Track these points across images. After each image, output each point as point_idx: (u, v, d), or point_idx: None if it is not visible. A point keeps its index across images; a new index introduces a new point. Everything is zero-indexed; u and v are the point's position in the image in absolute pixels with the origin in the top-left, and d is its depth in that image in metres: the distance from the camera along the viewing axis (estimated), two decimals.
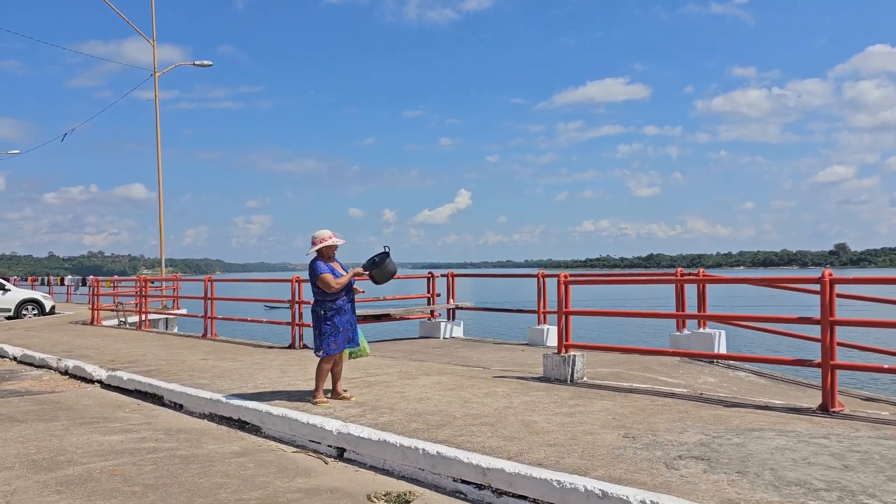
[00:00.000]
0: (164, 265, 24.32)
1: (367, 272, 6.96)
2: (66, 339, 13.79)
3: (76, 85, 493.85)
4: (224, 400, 6.97)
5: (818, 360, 6.15)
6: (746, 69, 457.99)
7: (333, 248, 6.84)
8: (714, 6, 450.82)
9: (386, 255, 7.01)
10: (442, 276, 13.37)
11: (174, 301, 20.65)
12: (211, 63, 26.56)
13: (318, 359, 6.84)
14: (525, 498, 4.28)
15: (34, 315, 22.34)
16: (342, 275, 6.79)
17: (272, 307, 19.10)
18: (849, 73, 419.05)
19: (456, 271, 13.58)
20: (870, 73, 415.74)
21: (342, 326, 6.79)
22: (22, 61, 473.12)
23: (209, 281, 14.68)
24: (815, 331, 6.49)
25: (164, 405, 7.76)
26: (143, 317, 17.17)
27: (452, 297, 13.32)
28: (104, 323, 17.97)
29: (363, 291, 7.52)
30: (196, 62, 25.90)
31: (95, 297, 18.68)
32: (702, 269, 9.93)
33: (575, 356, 7.71)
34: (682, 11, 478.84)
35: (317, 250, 6.77)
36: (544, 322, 11.77)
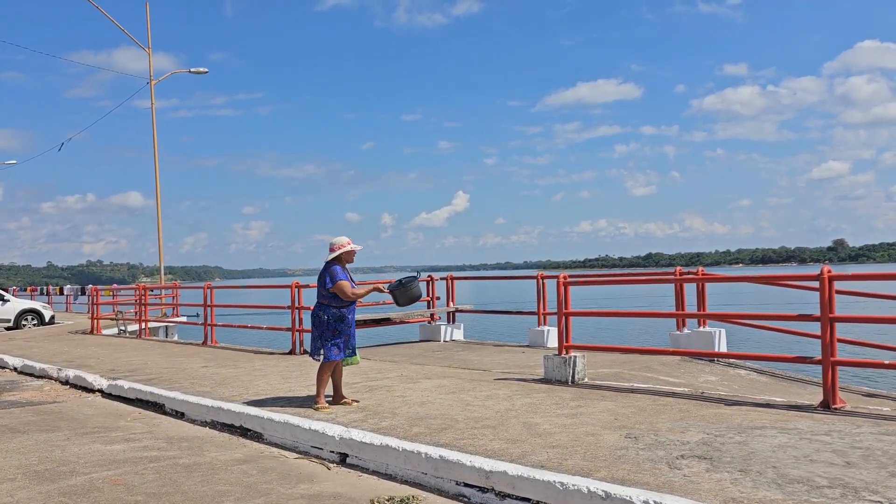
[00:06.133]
0: (163, 273, 24.31)
1: (390, 291, 7.07)
2: (66, 349, 13.78)
3: (75, 95, 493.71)
4: (225, 407, 6.97)
5: (819, 356, 6.16)
6: (740, 67, 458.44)
7: (352, 253, 6.96)
8: (702, 6, 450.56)
9: (414, 278, 7.22)
10: (441, 279, 13.38)
11: (174, 309, 20.64)
12: (207, 70, 26.56)
13: (319, 364, 6.85)
14: (528, 500, 4.28)
15: (34, 325, 22.33)
16: (354, 284, 6.87)
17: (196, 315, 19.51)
18: (840, 69, 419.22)
19: (455, 274, 13.60)
20: (860, 68, 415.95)
21: (345, 332, 6.81)
22: (22, 72, 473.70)
23: (208, 288, 14.67)
24: (815, 328, 6.49)
25: (165, 413, 7.76)
26: (143, 325, 17.17)
27: (452, 300, 13.33)
28: (104, 332, 17.96)
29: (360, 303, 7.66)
30: (192, 69, 25.90)
31: (95, 306, 18.65)
32: (700, 268, 9.94)
33: (575, 357, 7.71)
34: (671, 12, 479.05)
35: (336, 256, 6.83)
36: (544, 323, 11.77)
